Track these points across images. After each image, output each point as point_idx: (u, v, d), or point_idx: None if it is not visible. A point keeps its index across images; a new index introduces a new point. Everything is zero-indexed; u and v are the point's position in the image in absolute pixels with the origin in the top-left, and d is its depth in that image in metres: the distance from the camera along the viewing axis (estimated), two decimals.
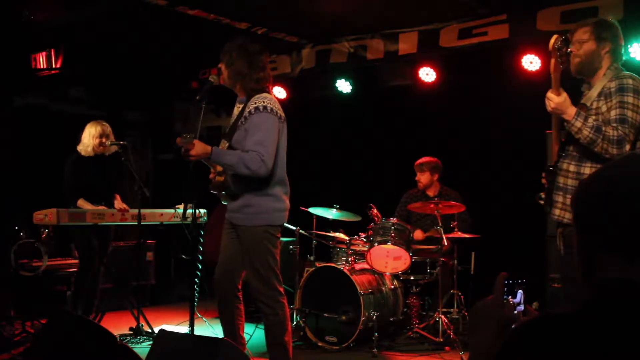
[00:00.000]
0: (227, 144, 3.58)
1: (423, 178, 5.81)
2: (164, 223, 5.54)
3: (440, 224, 5.15)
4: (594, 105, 2.99)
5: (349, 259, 5.30)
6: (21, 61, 6.52)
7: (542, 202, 3.19)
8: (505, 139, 6.12)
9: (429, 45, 5.97)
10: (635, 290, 1.09)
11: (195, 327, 3.58)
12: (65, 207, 5.04)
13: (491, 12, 5.47)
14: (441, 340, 4.93)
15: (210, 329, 5.40)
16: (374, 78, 6.87)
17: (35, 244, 5.38)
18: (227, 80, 3.62)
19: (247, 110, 3.49)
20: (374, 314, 4.91)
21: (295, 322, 5.27)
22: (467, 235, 5.27)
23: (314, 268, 5.31)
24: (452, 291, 5.35)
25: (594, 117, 2.94)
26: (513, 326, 1.23)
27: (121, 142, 5.31)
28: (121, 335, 5.12)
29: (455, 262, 5.30)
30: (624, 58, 3.08)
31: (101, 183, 5.35)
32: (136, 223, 5.14)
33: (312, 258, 5.62)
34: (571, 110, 2.94)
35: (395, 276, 5.39)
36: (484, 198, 6.00)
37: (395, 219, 5.31)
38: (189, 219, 3.58)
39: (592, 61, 3.03)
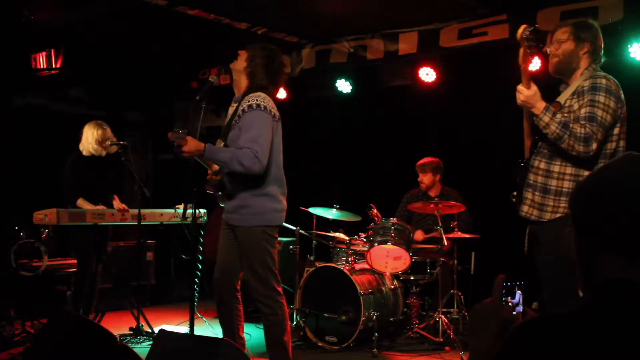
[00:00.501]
0: (222, 143, 3.59)
1: (425, 179, 5.81)
2: (164, 223, 5.54)
3: (440, 224, 5.15)
4: (567, 103, 2.99)
5: (349, 259, 5.30)
6: (21, 61, 6.53)
7: (514, 200, 3.19)
8: (505, 139, 6.11)
9: (429, 45, 5.97)
10: (635, 290, 1.09)
11: (195, 327, 3.58)
12: (65, 207, 5.04)
13: (491, 12, 5.48)
14: (441, 340, 4.93)
15: (210, 329, 5.40)
16: (374, 78, 6.87)
17: (35, 244, 5.38)
18: (238, 71, 3.61)
19: (240, 108, 3.50)
20: (374, 314, 4.91)
21: (295, 322, 5.27)
22: (467, 235, 5.27)
23: (314, 268, 5.30)
24: (452, 291, 5.36)
25: (566, 114, 2.94)
26: (513, 327, 1.23)
27: (121, 142, 5.31)
28: (121, 335, 5.12)
29: (455, 262, 5.30)
30: (602, 60, 3.07)
31: (101, 183, 5.35)
32: (136, 223, 5.14)
33: (312, 258, 5.62)
34: (540, 105, 2.95)
35: (395, 276, 5.39)
36: (484, 198, 6.00)
37: (395, 219, 5.31)
38: (189, 219, 3.57)
39: (571, 61, 3.03)
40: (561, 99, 3.06)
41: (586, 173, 2.91)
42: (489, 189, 6.13)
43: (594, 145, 2.83)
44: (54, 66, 6.52)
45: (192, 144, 3.34)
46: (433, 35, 5.91)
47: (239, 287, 3.66)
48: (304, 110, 7.39)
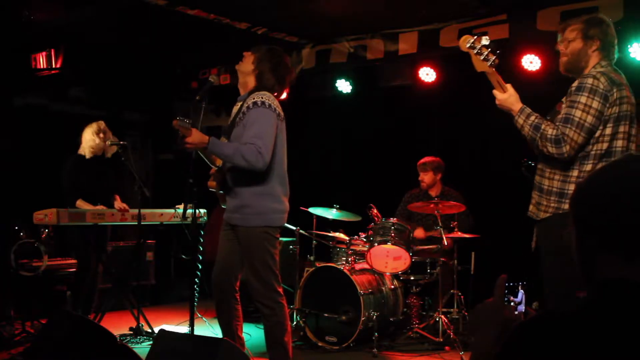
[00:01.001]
0: (226, 141, 3.59)
1: (426, 178, 5.81)
2: (164, 223, 5.54)
3: (440, 224, 5.15)
4: (564, 103, 2.99)
5: (349, 259, 5.30)
6: (21, 61, 6.53)
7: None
8: (505, 139, 6.11)
9: (429, 45, 5.96)
10: (635, 290, 1.09)
11: (195, 327, 3.58)
12: (64, 208, 5.04)
13: (491, 12, 5.47)
14: (441, 340, 4.93)
15: (210, 329, 5.40)
16: (374, 78, 6.87)
17: (35, 244, 5.38)
18: (245, 71, 3.61)
19: (245, 105, 3.50)
20: (374, 314, 4.91)
21: (295, 322, 5.27)
22: (467, 235, 5.27)
23: (314, 268, 5.30)
24: (452, 291, 5.35)
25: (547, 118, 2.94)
26: (513, 326, 1.23)
27: (121, 142, 5.31)
28: (121, 335, 5.12)
29: (455, 262, 5.30)
30: (616, 55, 3.03)
31: (100, 185, 5.36)
32: (136, 223, 5.14)
33: (312, 258, 5.62)
34: (516, 107, 2.96)
35: (395, 276, 5.39)
36: (484, 198, 6.00)
37: (395, 219, 5.31)
38: (189, 219, 3.57)
39: (579, 60, 3.01)
40: (564, 97, 3.06)
41: (575, 173, 2.91)
42: (489, 189, 6.14)
43: (566, 147, 2.82)
44: (54, 66, 6.52)
45: (196, 136, 3.33)
46: (433, 35, 5.91)
47: (237, 288, 3.66)
48: (304, 110, 7.39)
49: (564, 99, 3.05)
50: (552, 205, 2.96)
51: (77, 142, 5.38)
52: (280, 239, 3.68)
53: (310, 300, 5.21)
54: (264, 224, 3.48)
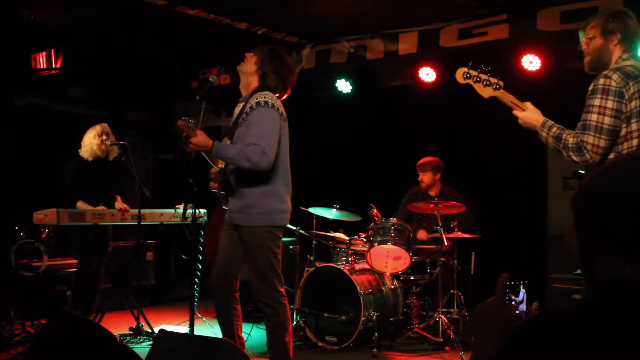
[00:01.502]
0: (228, 142, 3.58)
1: (426, 178, 5.81)
2: (164, 223, 5.53)
3: (440, 224, 5.15)
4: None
5: (349, 259, 5.30)
6: (21, 61, 6.52)
7: None
8: (505, 139, 6.12)
9: (429, 45, 5.97)
10: (636, 290, 1.09)
11: (195, 327, 3.58)
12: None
13: (491, 12, 5.47)
14: (441, 340, 4.93)
15: (210, 329, 5.40)
16: (374, 78, 6.88)
17: (35, 244, 5.38)
18: (247, 72, 3.60)
19: (248, 106, 3.49)
20: (374, 314, 4.91)
21: (295, 322, 5.26)
22: (467, 235, 5.27)
23: (314, 268, 5.30)
24: (452, 291, 5.36)
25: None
26: (515, 326, 1.23)
27: (121, 142, 5.31)
28: (121, 335, 5.12)
29: (455, 262, 5.30)
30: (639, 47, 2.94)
31: (102, 188, 5.36)
32: (136, 223, 5.14)
33: (312, 258, 5.62)
34: (538, 122, 2.91)
35: (395, 276, 5.39)
36: (484, 198, 6.00)
37: (395, 219, 5.31)
38: (189, 219, 3.57)
39: (601, 57, 2.92)
40: None
41: None
42: (489, 189, 6.15)
43: (588, 154, 2.76)
44: (54, 66, 6.52)
45: (200, 138, 3.33)
46: (433, 35, 5.91)
47: (237, 288, 3.66)
48: (304, 110, 7.38)
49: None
50: None
51: (78, 143, 5.37)
52: (281, 239, 3.68)
53: (310, 300, 5.21)
54: (268, 223, 3.48)
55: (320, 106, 7.46)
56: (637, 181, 1.14)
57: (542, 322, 1.12)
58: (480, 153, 6.43)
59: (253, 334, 5.34)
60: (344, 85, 6.94)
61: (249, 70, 3.61)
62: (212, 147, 3.35)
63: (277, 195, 3.52)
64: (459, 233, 5.23)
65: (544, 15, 5.23)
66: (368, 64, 6.48)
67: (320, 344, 5.09)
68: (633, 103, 2.77)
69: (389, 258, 5.19)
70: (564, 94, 4.97)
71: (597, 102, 2.78)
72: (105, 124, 5.39)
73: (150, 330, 5.21)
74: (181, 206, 4.22)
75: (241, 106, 3.63)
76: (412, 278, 5.30)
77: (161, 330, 2.71)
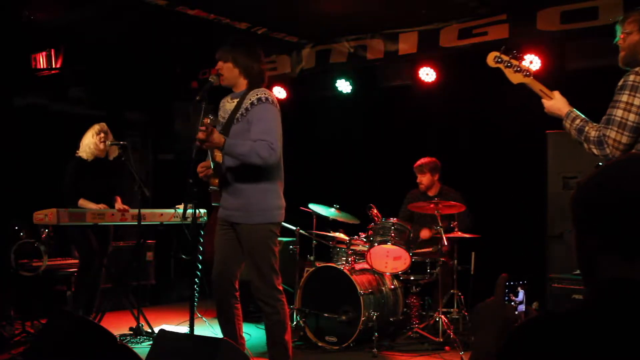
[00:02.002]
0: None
1: (424, 179, 5.81)
2: (164, 223, 5.53)
3: (440, 224, 5.15)
4: None
5: (349, 259, 5.30)
6: (21, 61, 6.53)
7: None
8: (505, 138, 6.13)
9: (429, 45, 5.97)
10: (635, 290, 1.09)
11: (195, 327, 3.57)
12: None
13: (491, 12, 5.48)
14: (441, 340, 4.93)
15: (210, 329, 5.40)
16: (374, 78, 6.87)
17: (35, 244, 5.38)
18: (232, 77, 3.61)
19: (247, 102, 3.49)
20: (374, 314, 4.91)
21: (295, 322, 5.27)
22: (467, 235, 5.27)
23: (314, 268, 5.30)
24: (452, 291, 5.35)
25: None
26: (514, 326, 1.23)
27: (121, 142, 5.31)
28: (121, 335, 5.12)
29: (455, 262, 5.29)
30: None
31: (101, 188, 5.35)
32: (136, 223, 5.14)
33: (312, 258, 5.62)
34: (563, 111, 2.92)
35: (395, 276, 5.39)
36: (484, 198, 6.00)
37: (395, 219, 5.31)
38: (189, 219, 3.56)
39: (636, 53, 2.90)
40: None
41: None
42: (489, 189, 6.14)
43: (609, 149, 2.75)
44: (54, 66, 6.52)
45: (216, 136, 3.31)
46: (433, 35, 5.92)
47: (237, 287, 3.65)
48: (304, 110, 7.39)
49: None
50: None
51: (78, 143, 5.37)
52: (280, 239, 3.68)
53: (310, 300, 5.21)
54: (267, 220, 3.49)
55: (320, 106, 7.46)
56: (637, 181, 1.14)
57: (541, 322, 1.12)
58: (480, 153, 6.42)
59: (253, 334, 5.35)
60: (344, 85, 6.94)
61: (232, 75, 3.60)
62: (224, 144, 3.34)
63: (277, 191, 3.54)
64: (459, 233, 5.23)
65: (544, 15, 5.24)
66: (368, 64, 6.48)
67: (320, 344, 5.09)
68: None
69: (389, 258, 5.19)
70: (564, 94, 4.95)
71: (624, 98, 2.78)
72: (104, 123, 5.39)
73: (150, 330, 5.21)
74: (181, 206, 4.23)
75: (235, 102, 3.61)
76: (412, 278, 5.29)
77: (161, 330, 2.71)
